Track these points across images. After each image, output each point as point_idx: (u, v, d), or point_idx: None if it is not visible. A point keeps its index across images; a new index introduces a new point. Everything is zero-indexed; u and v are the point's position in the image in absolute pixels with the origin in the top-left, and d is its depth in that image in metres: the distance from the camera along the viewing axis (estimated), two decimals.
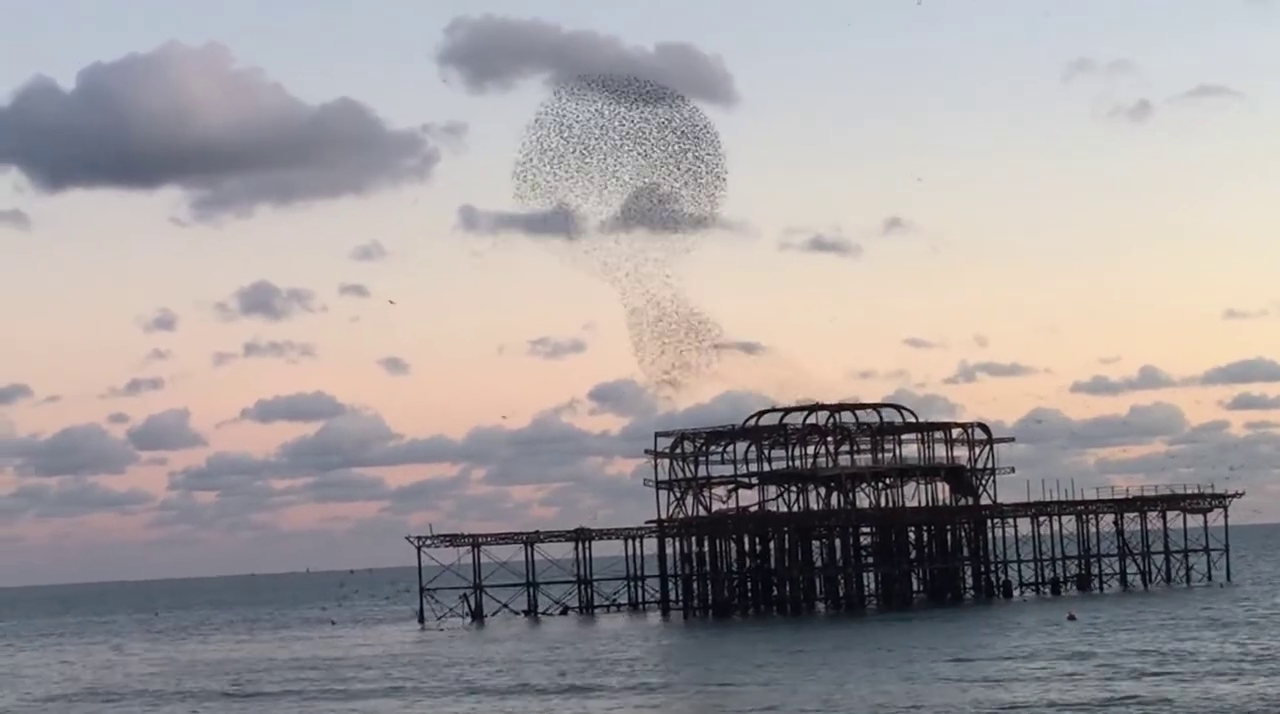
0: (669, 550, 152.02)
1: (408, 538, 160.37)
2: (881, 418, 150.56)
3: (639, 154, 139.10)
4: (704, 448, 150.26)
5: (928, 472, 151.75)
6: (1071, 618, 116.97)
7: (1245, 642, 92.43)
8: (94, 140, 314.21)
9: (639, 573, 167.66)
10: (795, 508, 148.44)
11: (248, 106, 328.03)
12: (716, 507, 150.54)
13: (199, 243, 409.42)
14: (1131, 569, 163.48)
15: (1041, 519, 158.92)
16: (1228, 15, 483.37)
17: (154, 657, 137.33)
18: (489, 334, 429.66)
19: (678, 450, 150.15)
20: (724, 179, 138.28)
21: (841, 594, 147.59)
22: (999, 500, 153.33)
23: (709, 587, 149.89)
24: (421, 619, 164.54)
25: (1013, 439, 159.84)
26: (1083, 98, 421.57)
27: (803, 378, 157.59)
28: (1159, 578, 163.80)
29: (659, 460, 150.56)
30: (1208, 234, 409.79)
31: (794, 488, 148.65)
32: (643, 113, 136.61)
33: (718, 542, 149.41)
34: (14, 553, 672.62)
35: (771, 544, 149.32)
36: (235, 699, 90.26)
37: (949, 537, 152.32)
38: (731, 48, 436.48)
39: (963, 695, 71.00)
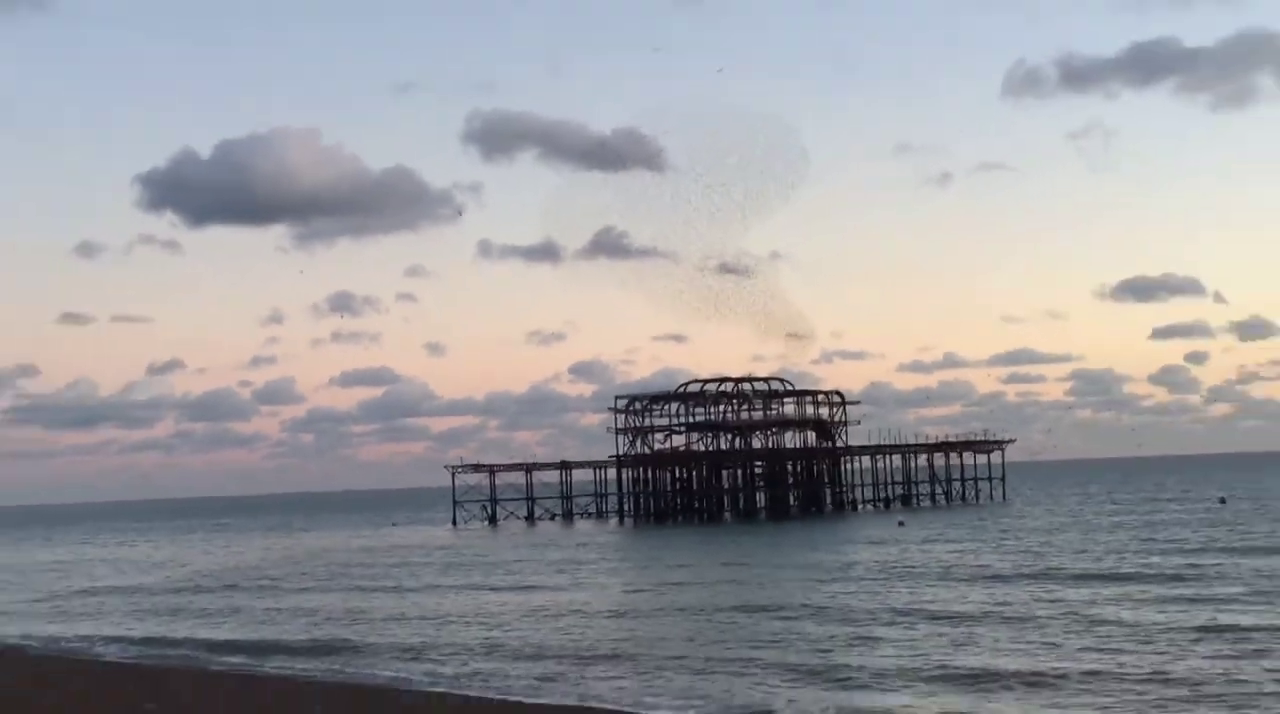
0: (624, 477, 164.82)
1: (446, 466, 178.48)
2: (769, 387, 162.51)
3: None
4: (649, 407, 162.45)
5: (801, 424, 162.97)
6: (901, 524, 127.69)
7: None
8: (225, 192, 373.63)
9: (604, 492, 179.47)
10: (710, 448, 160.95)
11: (333, 170, 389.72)
12: (657, 447, 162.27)
13: (300, 264, 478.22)
14: (938, 492, 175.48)
15: (878, 457, 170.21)
16: (1005, 108, 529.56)
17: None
18: (499, 328, 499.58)
19: (631, 408, 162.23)
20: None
21: (741, 507, 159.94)
22: (850, 444, 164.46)
23: (651, 502, 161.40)
24: (454, 523, 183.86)
25: (859, 402, 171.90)
26: (906, 169, 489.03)
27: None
28: (957, 497, 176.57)
29: (618, 415, 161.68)
30: (993, 264, 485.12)
31: (710, 435, 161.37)
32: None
33: (657, 471, 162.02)
34: (175, 475, 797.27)
35: (694, 473, 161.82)
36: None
37: (815, 469, 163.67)
38: (665, 128, 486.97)
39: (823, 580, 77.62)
